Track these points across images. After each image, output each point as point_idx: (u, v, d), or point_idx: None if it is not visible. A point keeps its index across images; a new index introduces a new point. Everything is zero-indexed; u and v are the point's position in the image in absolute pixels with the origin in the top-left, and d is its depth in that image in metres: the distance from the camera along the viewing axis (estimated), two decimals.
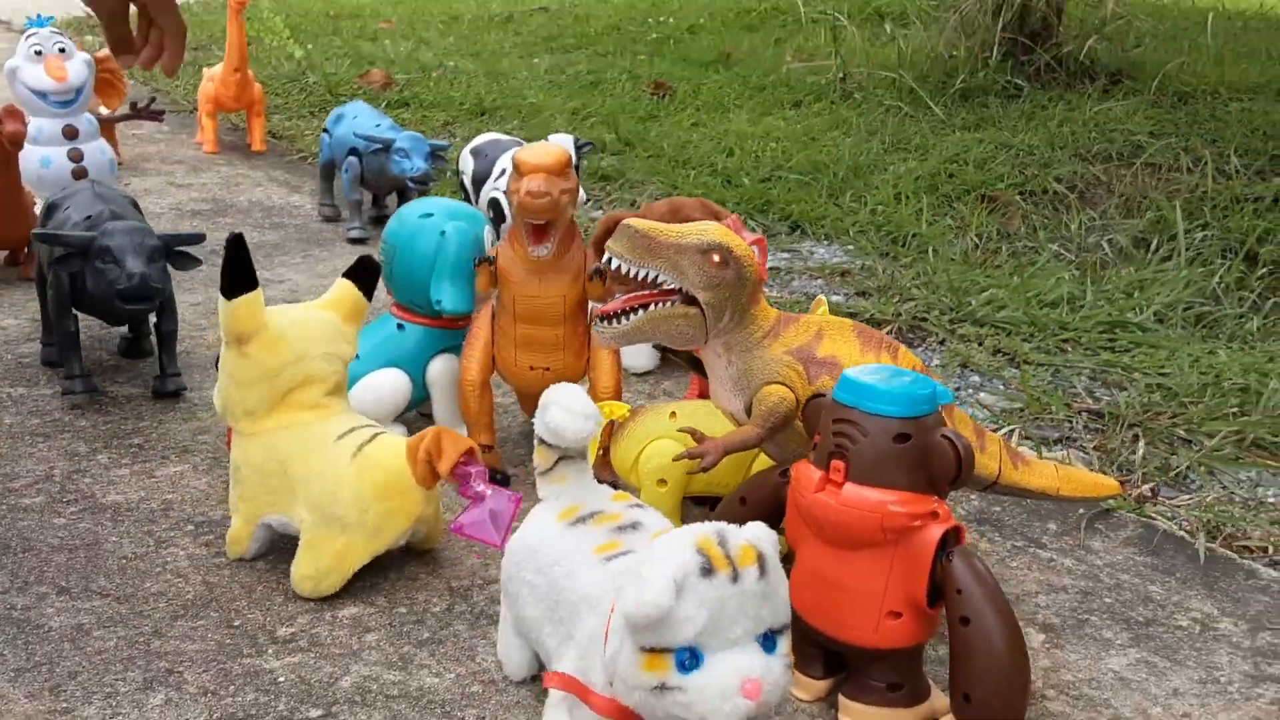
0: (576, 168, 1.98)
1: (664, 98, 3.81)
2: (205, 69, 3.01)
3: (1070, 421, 1.67)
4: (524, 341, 1.32)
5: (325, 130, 2.43)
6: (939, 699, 0.99)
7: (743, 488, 1.09)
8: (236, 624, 1.09)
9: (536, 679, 1.00)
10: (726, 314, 1.03)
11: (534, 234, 1.27)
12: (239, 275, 1.11)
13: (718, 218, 1.38)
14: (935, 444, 0.91)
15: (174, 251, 1.50)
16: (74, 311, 1.55)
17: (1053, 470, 1.14)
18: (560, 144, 1.72)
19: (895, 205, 2.73)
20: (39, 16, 2.21)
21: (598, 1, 6.04)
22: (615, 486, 1.09)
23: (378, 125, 2.27)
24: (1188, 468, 1.52)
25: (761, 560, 0.77)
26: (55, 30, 2.17)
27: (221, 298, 1.12)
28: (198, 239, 1.54)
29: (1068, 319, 2.08)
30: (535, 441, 0.96)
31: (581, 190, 1.97)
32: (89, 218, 1.52)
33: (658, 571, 0.74)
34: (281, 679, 1.01)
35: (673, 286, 1.01)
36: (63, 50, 2.15)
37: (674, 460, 1.12)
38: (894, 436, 0.91)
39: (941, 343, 2.01)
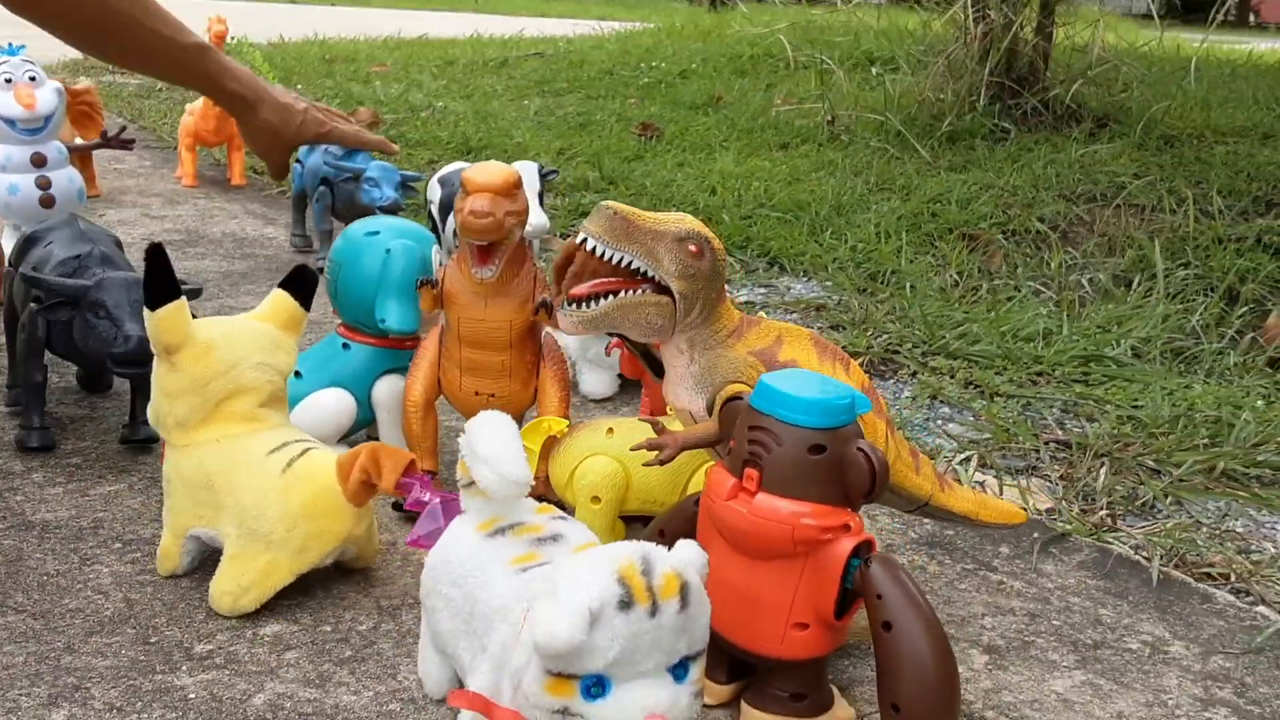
0: (541, 195, 1.97)
1: (651, 139, 3.82)
2: (188, 104, 3.02)
3: (1037, 451, 1.64)
4: (469, 366, 1.28)
5: (297, 160, 2.38)
6: (842, 709, 0.96)
7: (660, 519, 1.06)
8: (153, 640, 1.06)
9: None
10: (697, 307, 1.01)
11: (478, 255, 1.23)
12: (161, 286, 1.09)
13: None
14: (851, 457, 0.88)
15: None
16: (44, 359, 1.45)
17: (972, 495, 1.12)
18: (515, 167, 1.71)
19: (876, 243, 2.72)
20: (10, 45, 2.21)
21: (592, 47, 6.09)
22: (549, 502, 1.06)
23: (350, 155, 2.21)
24: (1154, 498, 1.49)
25: (684, 591, 0.75)
26: (26, 59, 2.17)
27: (146, 310, 1.10)
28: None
29: (1042, 353, 2.05)
30: (460, 455, 0.92)
31: (544, 216, 1.96)
32: (77, 257, 1.42)
33: (573, 601, 0.72)
34: (192, 695, 0.98)
35: (646, 273, 0.99)
36: (33, 79, 2.15)
37: (630, 450, 1.09)
38: (809, 448, 0.89)
39: (913, 375, 1.99)
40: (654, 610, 0.73)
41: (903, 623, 0.86)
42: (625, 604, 0.73)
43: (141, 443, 1.47)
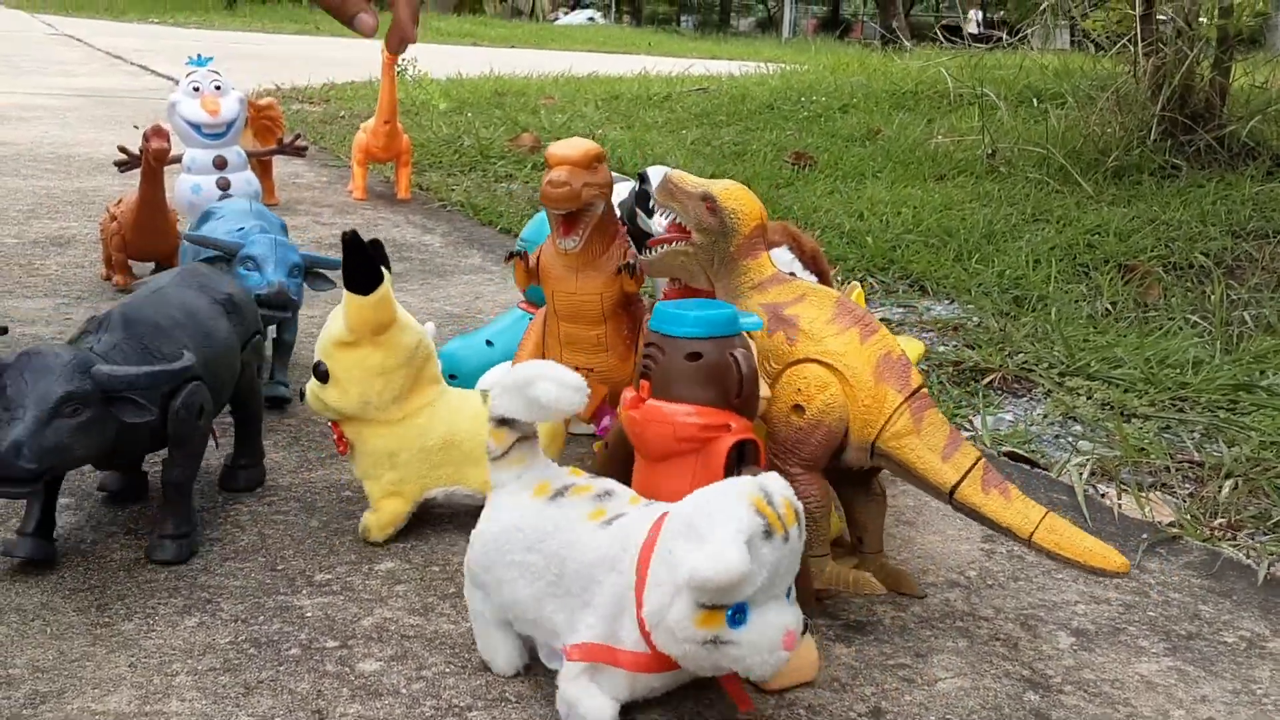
0: None
1: (804, 168, 3.85)
2: (362, 123, 3.21)
3: (1168, 469, 1.60)
4: (567, 340, 1.33)
5: (186, 237, 1.69)
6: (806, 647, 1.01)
7: (606, 437, 1.17)
8: (279, 568, 1.15)
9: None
10: (715, 258, 1.14)
11: (561, 225, 1.27)
12: (366, 271, 1.13)
13: (796, 240, 1.40)
14: (723, 362, 0.98)
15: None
16: None
17: (1036, 516, 1.04)
18: (649, 170, 1.76)
19: (1025, 270, 2.69)
20: (199, 56, 2.41)
21: (755, 84, 6.17)
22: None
23: (240, 229, 1.59)
24: None
25: (798, 517, 0.82)
26: (213, 70, 2.36)
27: (354, 296, 1.13)
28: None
29: (1189, 379, 1.99)
30: (491, 424, 0.96)
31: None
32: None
33: (727, 535, 0.77)
34: (309, 614, 1.06)
35: (683, 226, 1.15)
36: (218, 87, 2.34)
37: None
38: (686, 354, 0.98)
39: (1047, 394, 1.96)
40: (786, 536, 0.80)
41: None
42: (768, 533, 0.79)
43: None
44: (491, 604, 0.96)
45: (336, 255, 1.36)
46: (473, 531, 0.97)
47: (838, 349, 1.07)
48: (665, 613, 0.81)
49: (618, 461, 1.09)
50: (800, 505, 0.83)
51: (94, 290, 2.16)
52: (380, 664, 0.99)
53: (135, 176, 2.14)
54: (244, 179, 2.36)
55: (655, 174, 2.03)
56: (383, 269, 1.14)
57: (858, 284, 1.34)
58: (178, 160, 2.22)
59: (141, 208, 2.06)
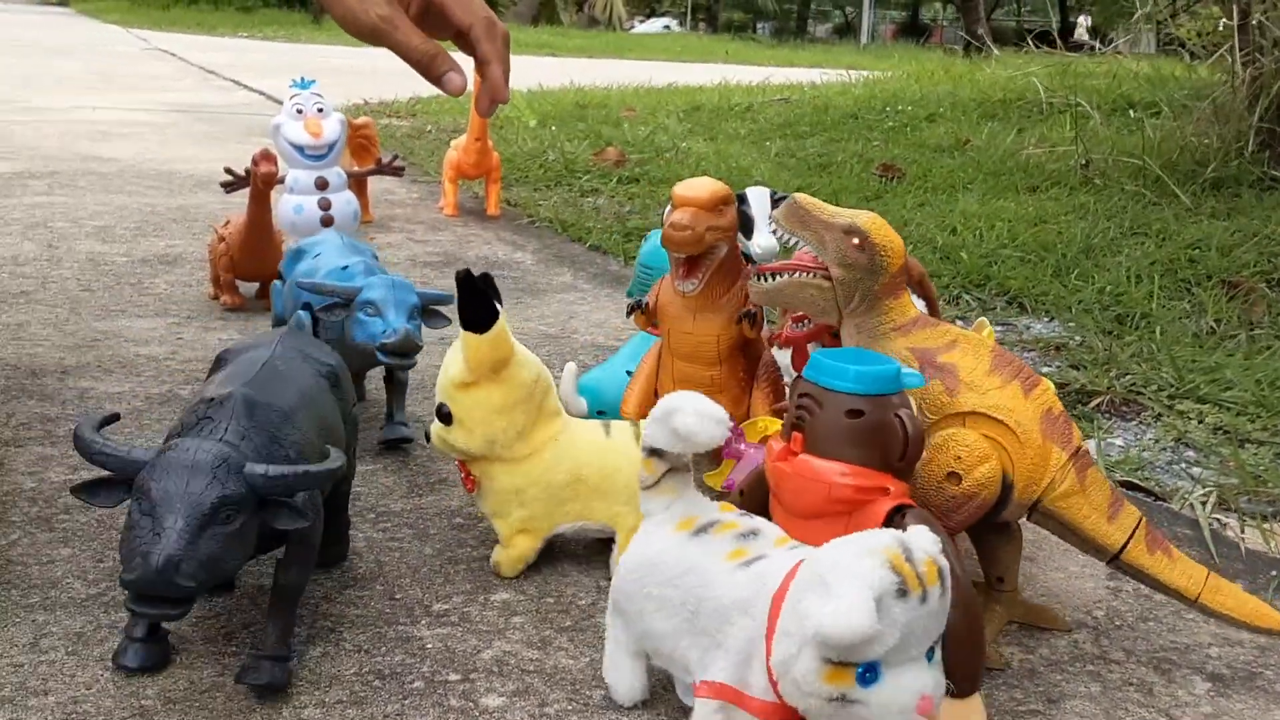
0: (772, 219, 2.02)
1: (892, 180, 3.81)
2: (453, 141, 3.25)
3: None
4: (681, 379, 1.30)
5: (279, 275, 1.69)
6: None
7: (741, 482, 1.10)
8: (398, 597, 1.16)
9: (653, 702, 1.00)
10: (856, 296, 1.08)
11: (683, 267, 1.25)
12: (485, 307, 1.12)
13: (911, 273, 1.37)
14: (887, 422, 0.92)
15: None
16: None
17: (1201, 575, 1.05)
18: (747, 190, 1.74)
19: (1126, 286, 2.63)
20: (302, 79, 2.46)
21: (838, 93, 6.12)
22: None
23: (345, 267, 1.53)
24: None
25: (942, 576, 0.79)
26: (315, 93, 2.40)
27: (470, 335, 1.13)
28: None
29: None
30: (643, 454, 0.96)
31: (773, 240, 2.00)
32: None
33: (855, 591, 0.75)
34: (429, 646, 1.07)
35: (816, 258, 1.09)
36: (320, 110, 2.38)
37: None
38: (847, 411, 0.93)
39: (1157, 417, 1.91)
40: (924, 597, 0.77)
41: None
42: (902, 591, 0.76)
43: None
44: (630, 633, 0.96)
45: (442, 286, 1.36)
46: (621, 558, 0.98)
47: (1005, 403, 1.03)
48: (792, 664, 0.79)
49: (751, 508, 1.04)
50: (946, 565, 0.80)
51: (202, 310, 2.21)
52: (503, 699, 0.99)
53: (237, 196, 2.19)
54: (344, 199, 2.40)
55: (755, 196, 2.02)
56: (497, 305, 1.14)
57: (986, 321, 1.30)
58: (282, 181, 2.26)
59: (249, 230, 2.10)
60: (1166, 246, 2.92)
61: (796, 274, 1.09)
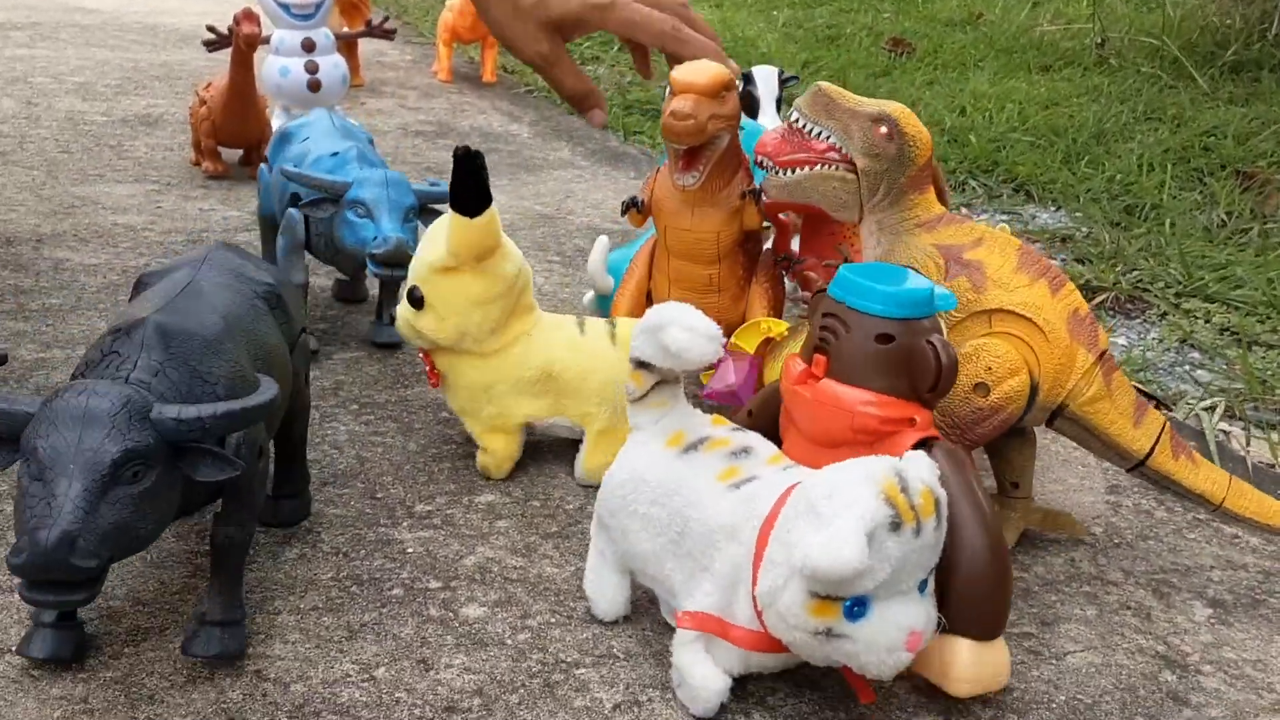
0: (779, 101, 1.93)
1: (902, 55, 3.68)
2: (447, 1, 3.11)
3: None
4: (678, 278, 1.24)
5: (264, 160, 1.54)
6: None
7: (751, 401, 1.04)
8: (379, 496, 1.13)
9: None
10: (881, 189, 1.03)
11: (682, 160, 1.17)
12: (480, 190, 1.05)
13: None
14: (919, 349, 0.85)
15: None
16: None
17: (1224, 480, 1.03)
18: (754, 70, 1.65)
19: (1137, 175, 2.55)
20: None
21: None
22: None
23: (335, 154, 1.40)
24: None
25: (938, 507, 0.75)
26: None
27: (459, 217, 1.06)
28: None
29: None
30: (631, 365, 0.90)
31: (779, 122, 1.92)
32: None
33: (847, 524, 0.71)
34: (410, 550, 1.04)
35: (839, 148, 1.03)
36: None
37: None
38: (876, 336, 0.86)
39: (1163, 316, 1.86)
40: (918, 529, 0.73)
41: (959, 516, 0.82)
42: (895, 525, 0.72)
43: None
44: (614, 550, 0.93)
45: (434, 159, 1.29)
46: (605, 473, 0.93)
47: (1033, 301, 0.98)
48: (778, 595, 0.76)
49: (760, 428, 0.98)
50: (943, 494, 0.76)
51: (183, 176, 2.13)
52: (484, 609, 0.96)
53: (222, 54, 2.09)
54: (332, 62, 2.29)
55: (761, 75, 1.94)
56: (491, 195, 1.07)
57: (1006, 226, 1.24)
58: (266, 41, 2.16)
59: (231, 94, 2.01)
60: (1181, 133, 2.84)
61: (820, 166, 1.04)
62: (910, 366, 0.86)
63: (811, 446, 0.90)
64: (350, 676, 0.87)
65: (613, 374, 1.14)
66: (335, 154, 1.39)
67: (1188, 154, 2.70)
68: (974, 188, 2.50)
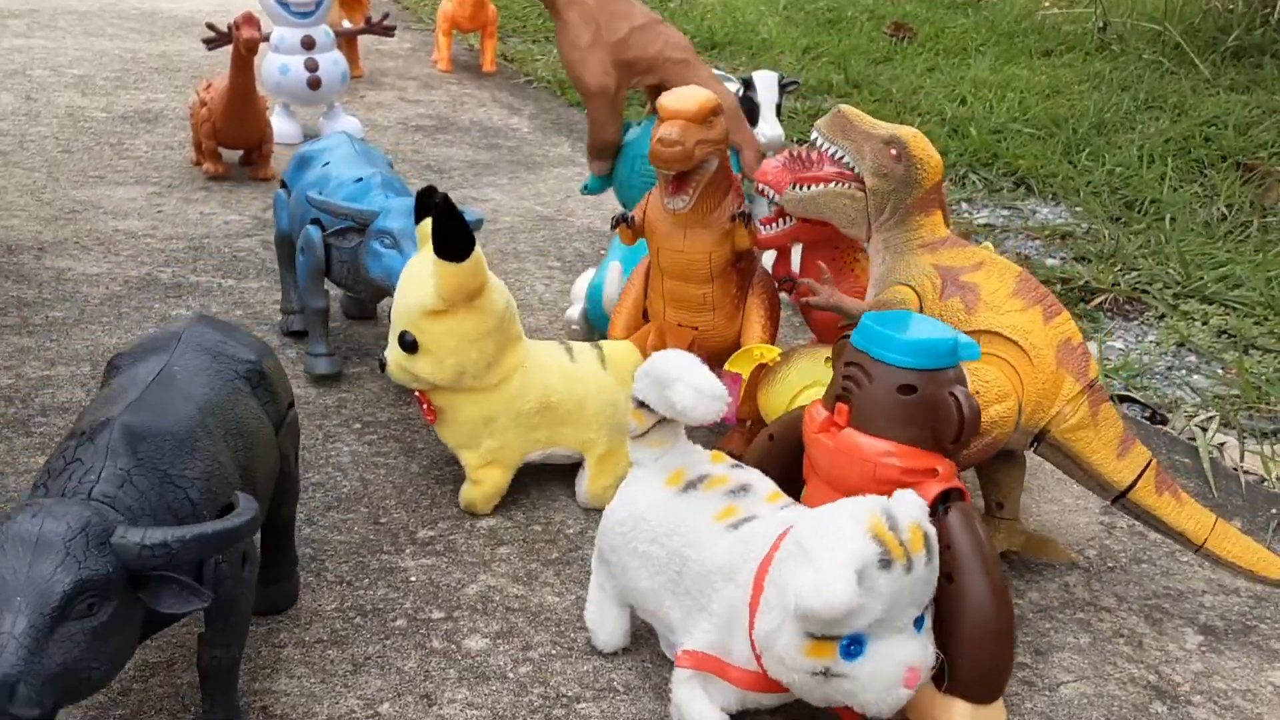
0: (779, 106, 1.93)
1: (903, 40, 3.67)
2: None
3: None
4: (672, 298, 1.25)
5: (282, 183, 1.51)
6: None
7: (772, 425, 1.05)
8: (382, 521, 1.14)
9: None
10: (888, 208, 1.07)
11: (671, 184, 1.18)
12: (462, 233, 1.06)
13: None
14: (942, 400, 0.86)
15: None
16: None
17: (1208, 522, 1.03)
18: (755, 75, 1.64)
19: (1138, 167, 2.55)
20: None
21: None
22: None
23: (359, 179, 1.38)
24: None
25: (928, 543, 0.76)
26: None
27: (445, 263, 1.06)
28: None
29: None
30: (632, 404, 0.92)
31: (779, 128, 1.92)
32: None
33: (836, 563, 0.72)
34: (413, 579, 1.05)
35: (852, 167, 1.08)
36: None
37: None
38: (899, 387, 0.87)
39: (1161, 318, 1.87)
40: (909, 566, 0.75)
41: (966, 576, 0.84)
42: (885, 562, 0.73)
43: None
44: (614, 584, 0.95)
45: (433, 156, 1.29)
46: (605, 508, 0.95)
47: (1021, 325, 1.00)
48: (775, 638, 0.77)
49: (778, 460, 0.99)
50: (933, 531, 0.77)
51: (184, 177, 2.13)
52: (486, 641, 0.98)
53: (220, 52, 2.09)
54: (332, 59, 2.29)
55: (762, 81, 1.93)
56: (474, 238, 1.08)
57: (989, 245, 1.25)
58: (265, 39, 2.16)
59: (231, 95, 2.01)
60: (1181, 122, 2.83)
61: (833, 184, 1.08)
62: (933, 417, 0.86)
63: (834, 494, 0.90)
64: (355, 713, 0.89)
65: (607, 397, 1.16)
66: (359, 180, 1.37)
67: (1189, 144, 2.70)
68: (974, 181, 2.50)
